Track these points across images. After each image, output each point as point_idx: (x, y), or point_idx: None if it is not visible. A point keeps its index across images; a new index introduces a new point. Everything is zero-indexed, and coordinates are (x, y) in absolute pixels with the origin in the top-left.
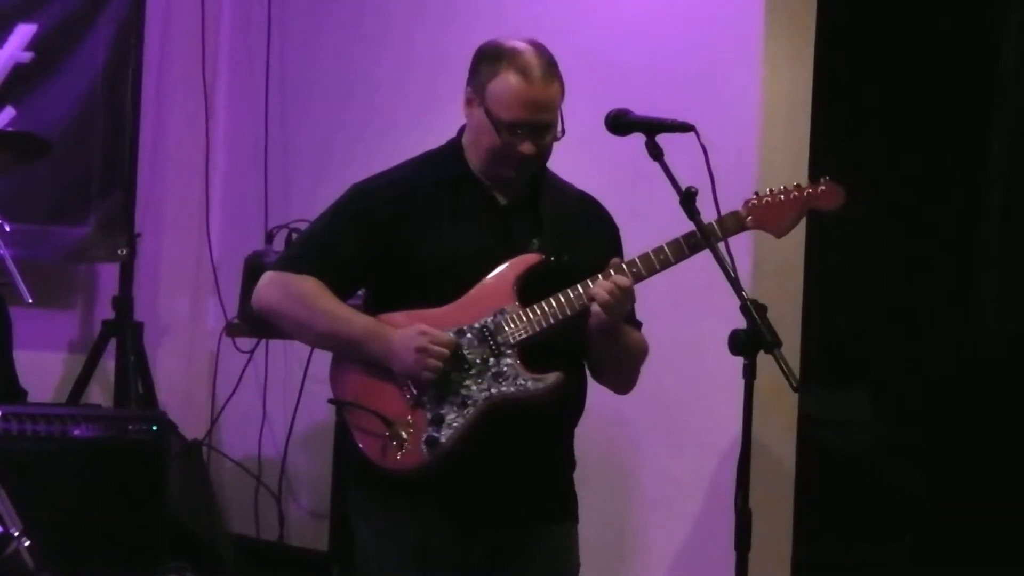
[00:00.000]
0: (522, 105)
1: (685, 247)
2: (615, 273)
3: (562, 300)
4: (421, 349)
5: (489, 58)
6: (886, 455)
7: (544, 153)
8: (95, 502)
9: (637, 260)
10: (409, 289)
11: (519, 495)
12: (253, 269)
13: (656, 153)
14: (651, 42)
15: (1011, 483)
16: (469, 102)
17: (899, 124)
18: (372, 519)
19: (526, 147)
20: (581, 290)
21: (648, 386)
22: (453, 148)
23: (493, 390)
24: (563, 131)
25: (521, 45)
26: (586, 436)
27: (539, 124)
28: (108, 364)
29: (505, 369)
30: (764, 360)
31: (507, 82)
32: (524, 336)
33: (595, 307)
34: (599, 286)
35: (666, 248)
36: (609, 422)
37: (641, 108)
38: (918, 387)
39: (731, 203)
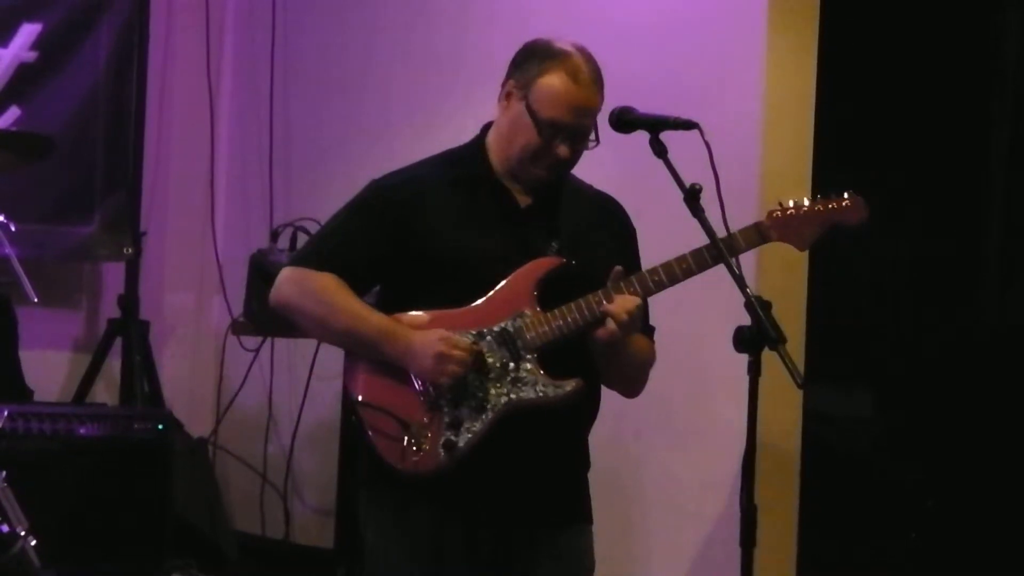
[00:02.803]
0: (568, 107)
1: (708, 257)
2: (614, 282)
3: (583, 306)
4: (441, 355)
5: (540, 55)
6: (890, 452)
7: (575, 159)
8: (101, 500)
9: (660, 269)
10: (424, 288)
11: (533, 497)
12: (258, 267)
13: (660, 150)
14: (654, 39)
15: (1015, 480)
16: (509, 96)
17: (901, 120)
18: (383, 521)
19: (562, 149)
20: (595, 304)
21: (652, 383)
22: (475, 147)
23: (512, 395)
24: (597, 141)
25: (572, 48)
26: (590, 433)
27: (578, 129)
28: (114, 363)
29: (524, 374)
30: (768, 357)
31: (557, 81)
32: (544, 341)
33: (610, 323)
34: (616, 304)
35: (689, 257)
36: (613, 419)
37: (644, 105)
38: (922, 384)
39: (734, 200)
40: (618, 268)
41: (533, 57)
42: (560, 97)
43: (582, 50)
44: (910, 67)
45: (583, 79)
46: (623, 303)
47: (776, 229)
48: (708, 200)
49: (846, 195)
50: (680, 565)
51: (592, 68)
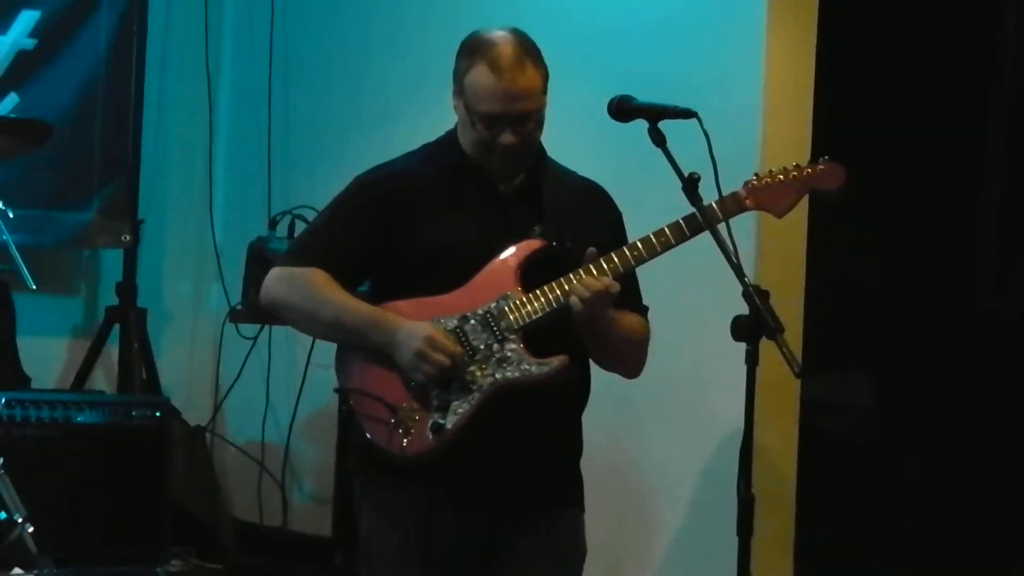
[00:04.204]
0: (494, 98)
1: (686, 229)
2: (586, 263)
3: (564, 286)
4: (421, 353)
5: (466, 51)
6: (887, 441)
7: (528, 142)
8: (98, 488)
9: (638, 243)
10: (413, 279)
11: (524, 480)
12: (257, 255)
13: (659, 139)
14: (653, 28)
15: (1011, 469)
16: (454, 95)
17: (900, 110)
18: (376, 507)
19: (506, 138)
20: (566, 285)
21: (650, 371)
22: (452, 139)
23: (498, 375)
24: (541, 120)
25: (497, 36)
26: (587, 421)
27: (515, 115)
28: (112, 350)
29: (509, 354)
30: (766, 346)
31: (479, 75)
32: (527, 321)
33: (575, 303)
34: (580, 284)
35: (667, 230)
36: (610, 407)
37: (644, 96)
38: (919, 374)
39: (733, 189)
40: (591, 249)
41: (462, 54)
42: (485, 90)
43: (511, 33)
44: (909, 57)
45: (505, 65)
46: (587, 284)
47: (752, 197)
48: (707, 189)
49: (821, 161)
50: (677, 554)
51: (516, 51)
